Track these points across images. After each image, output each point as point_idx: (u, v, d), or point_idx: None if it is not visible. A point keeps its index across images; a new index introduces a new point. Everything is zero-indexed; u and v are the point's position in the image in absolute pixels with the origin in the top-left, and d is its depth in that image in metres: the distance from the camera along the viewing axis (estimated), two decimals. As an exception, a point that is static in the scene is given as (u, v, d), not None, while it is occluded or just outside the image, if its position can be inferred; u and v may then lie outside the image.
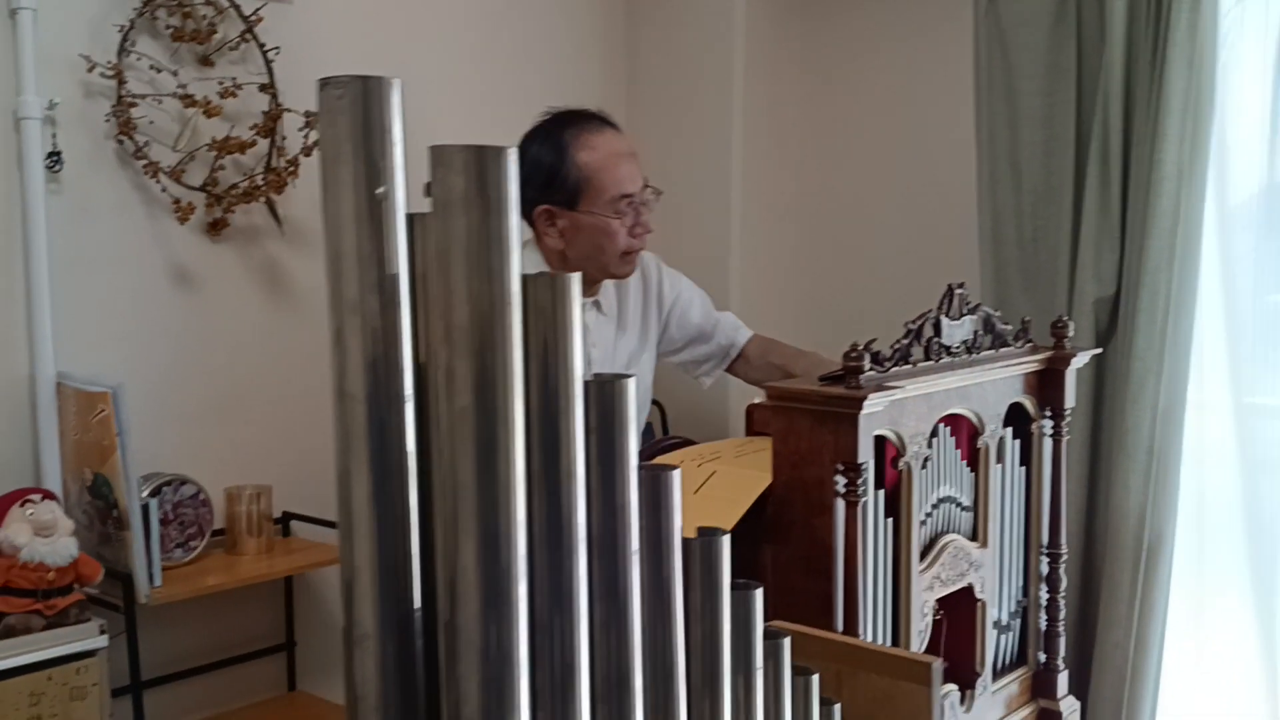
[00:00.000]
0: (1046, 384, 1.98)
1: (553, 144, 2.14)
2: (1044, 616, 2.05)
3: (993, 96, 2.67)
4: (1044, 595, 2.04)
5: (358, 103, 0.71)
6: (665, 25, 3.03)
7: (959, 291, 1.78)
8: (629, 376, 0.75)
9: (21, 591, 1.88)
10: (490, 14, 2.79)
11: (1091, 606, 2.53)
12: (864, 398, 1.51)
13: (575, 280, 0.72)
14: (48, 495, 1.95)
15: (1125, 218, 2.49)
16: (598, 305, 2.30)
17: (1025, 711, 2.02)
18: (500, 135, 2.61)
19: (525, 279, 0.70)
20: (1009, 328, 1.92)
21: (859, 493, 1.56)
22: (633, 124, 2.95)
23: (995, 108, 2.67)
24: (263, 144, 2.32)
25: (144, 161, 2.16)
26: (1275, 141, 2.38)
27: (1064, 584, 2.04)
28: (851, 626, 1.59)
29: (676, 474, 0.78)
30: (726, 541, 0.82)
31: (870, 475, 1.57)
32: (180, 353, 2.30)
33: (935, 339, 1.74)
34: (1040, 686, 2.05)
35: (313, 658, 2.54)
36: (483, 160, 0.66)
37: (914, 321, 1.72)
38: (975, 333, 1.82)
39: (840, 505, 1.56)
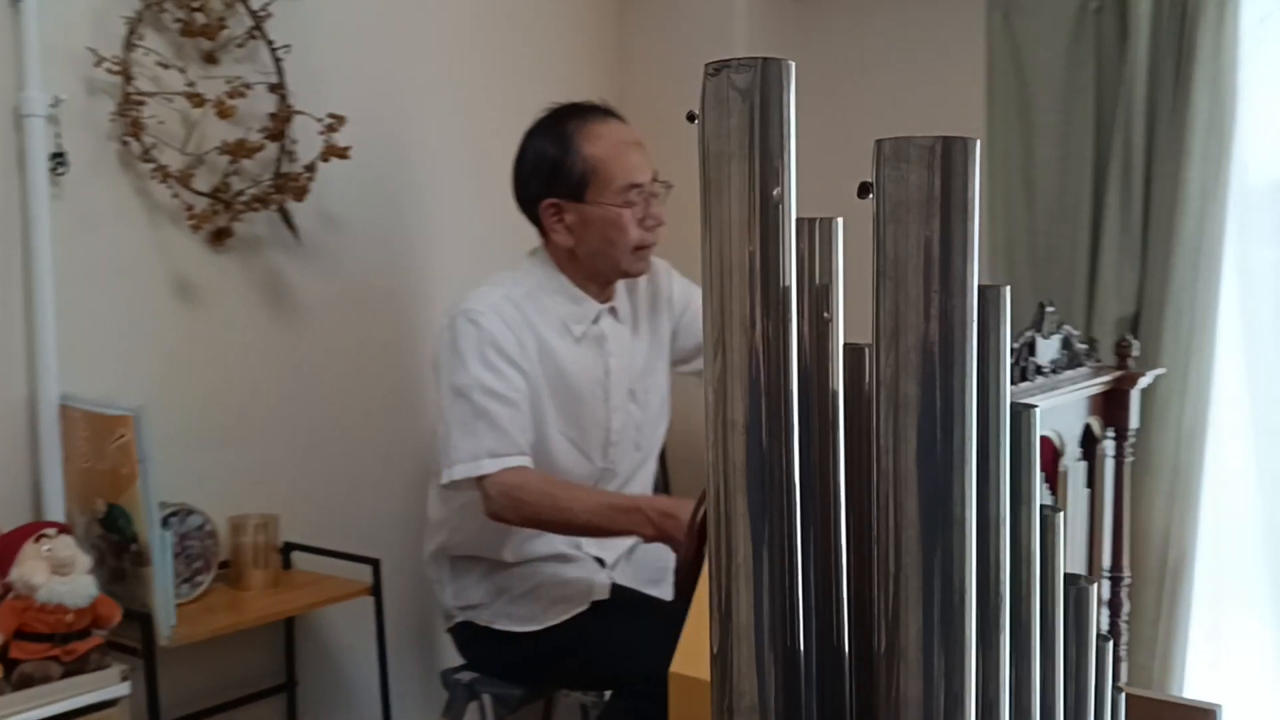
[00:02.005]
0: (1112, 404, 1.95)
1: (556, 136, 2.06)
2: (1104, 640, 2.00)
3: (1006, 113, 2.64)
4: (1105, 620, 2.00)
5: (754, 90, 0.61)
6: (661, 19, 2.94)
7: (1050, 310, 1.73)
8: (1033, 407, 0.67)
9: (37, 636, 1.70)
10: (495, 8, 2.68)
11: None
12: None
13: (1004, 294, 0.63)
14: (63, 529, 1.77)
15: (1146, 236, 2.49)
16: (614, 312, 2.20)
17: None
18: (499, 132, 2.51)
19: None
20: (1084, 347, 1.88)
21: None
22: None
23: (1009, 124, 2.64)
24: (270, 148, 2.17)
25: (152, 165, 1.99)
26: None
27: (1126, 608, 2.01)
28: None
29: (1060, 517, 0.70)
30: (1094, 589, 0.73)
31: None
32: (180, 372, 2.13)
33: (1031, 358, 1.68)
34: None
35: (314, 697, 2.38)
36: (949, 154, 0.57)
37: (1015, 340, 1.66)
38: (1061, 353, 1.77)
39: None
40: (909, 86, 2.86)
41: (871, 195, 0.59)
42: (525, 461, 2.01)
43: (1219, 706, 1.08)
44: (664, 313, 2.30)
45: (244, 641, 2.20)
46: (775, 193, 0.61)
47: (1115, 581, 1.99)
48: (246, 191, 2.12)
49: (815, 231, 0.69)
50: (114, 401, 1.85)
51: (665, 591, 2.23)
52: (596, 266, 2.14)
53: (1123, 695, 0.78)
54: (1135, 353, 1.98)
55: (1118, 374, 1.94)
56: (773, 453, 0.62)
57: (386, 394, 2.49)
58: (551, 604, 2.13)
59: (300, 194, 2.13)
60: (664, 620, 2.07)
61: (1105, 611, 2.00)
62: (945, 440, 0.57)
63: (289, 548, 2.25)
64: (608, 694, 2.46)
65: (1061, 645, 0.70)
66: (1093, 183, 2.56)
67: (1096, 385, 1.88)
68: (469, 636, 2.23)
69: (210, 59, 2.12)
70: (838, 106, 2.95)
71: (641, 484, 2.33)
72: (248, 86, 2.10)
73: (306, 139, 2.19)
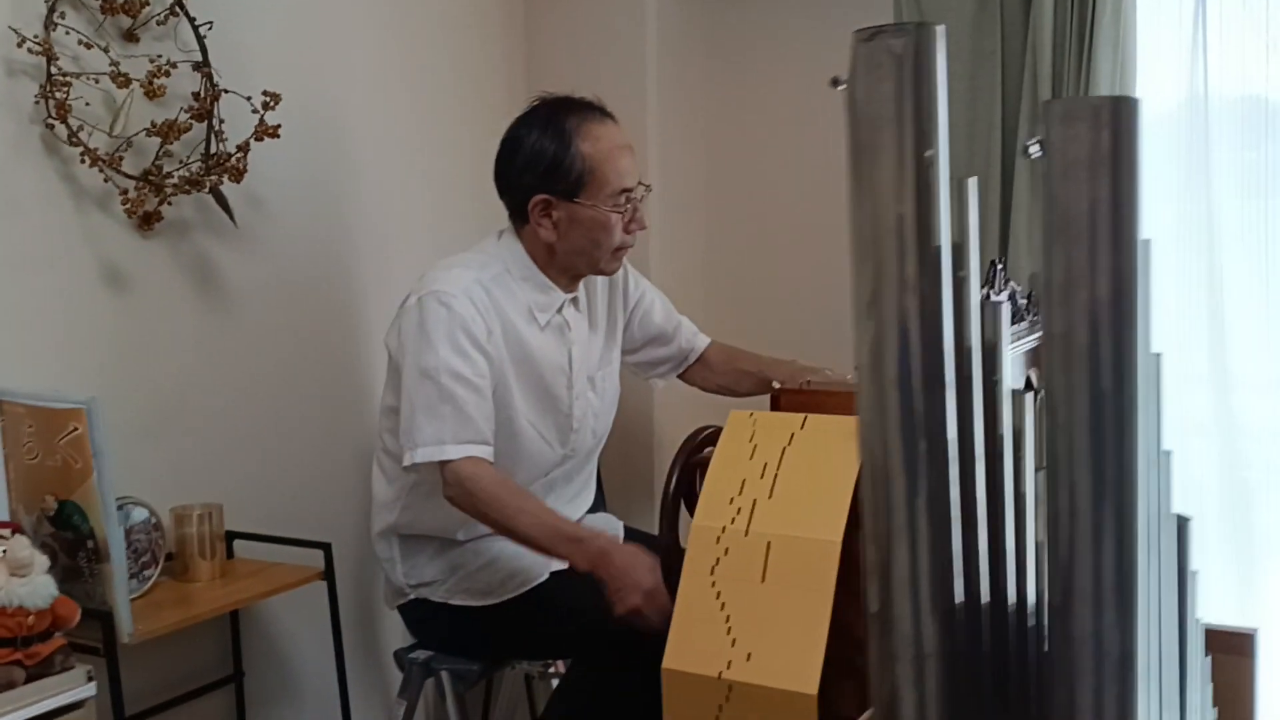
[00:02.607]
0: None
1: (555, 132, 2.05)
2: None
3: (915, 80, 2.72)
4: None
5: (908, 55, 0.63)
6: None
7: (1000, 267, 1.80)
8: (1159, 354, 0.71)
9: (-2, 641, 1.64)
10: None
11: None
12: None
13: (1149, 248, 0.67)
14: (16, 529, 1.70)
15: (1054, 196, 2.59)
16: (575, 302, 2.21)
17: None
18: (430, 109, 2.49)
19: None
20: (1023, 302, 1.95)
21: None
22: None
23: (918, 91, 2.72)
24: (196, 129, 2.10)
25: (80, 149, 1.92)
26: (1193, 122, 2.52)
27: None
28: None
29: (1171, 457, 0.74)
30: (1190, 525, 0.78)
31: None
32: (113, 362, 2.06)
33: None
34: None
35: (262, 689, 2.34)
36: (1118, 113, 0.60)
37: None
38: (1012, 309, 1.84)
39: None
40: (815, 57, 2.90)
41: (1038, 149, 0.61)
42: (487, 451, 2.01)
43: (1256, 630, 1.15)
44: (619, 304, 2.32)
45: (190, 635, 2.14)
46: (927, 155, 0.64)
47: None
48: (175, 174, 2.06)
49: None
50: (57, 395, 1.78)
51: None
52: (573, 263, 2.15)
53: (1202, 625, 0.83)
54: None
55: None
56: (929, 410, 0.65)
57: (322, 378, 2.45)
58: (509, 576, 2.14)
59: (238, 175, 2.07)
60: None
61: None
62: (1116, 390, 0.60)
63: (231, 536, 2.20)
64: (557, 663, 2.49)
65: (1167, 578, 0.75)
66: (1001, 148, 2.65)
67: (1034, 340, 1.96)
68: (423, 614, 2.22)
69: (130, 37, 2.05)
70: (748, 81, 3.00)
71: (590, 470, 2.36)
72: (172, 65, 2.03)
73: (232, 119, 2.13)
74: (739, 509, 1.64)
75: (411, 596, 2.22)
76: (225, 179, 2.07)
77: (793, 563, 1.59)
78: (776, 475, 1.62)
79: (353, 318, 2.50)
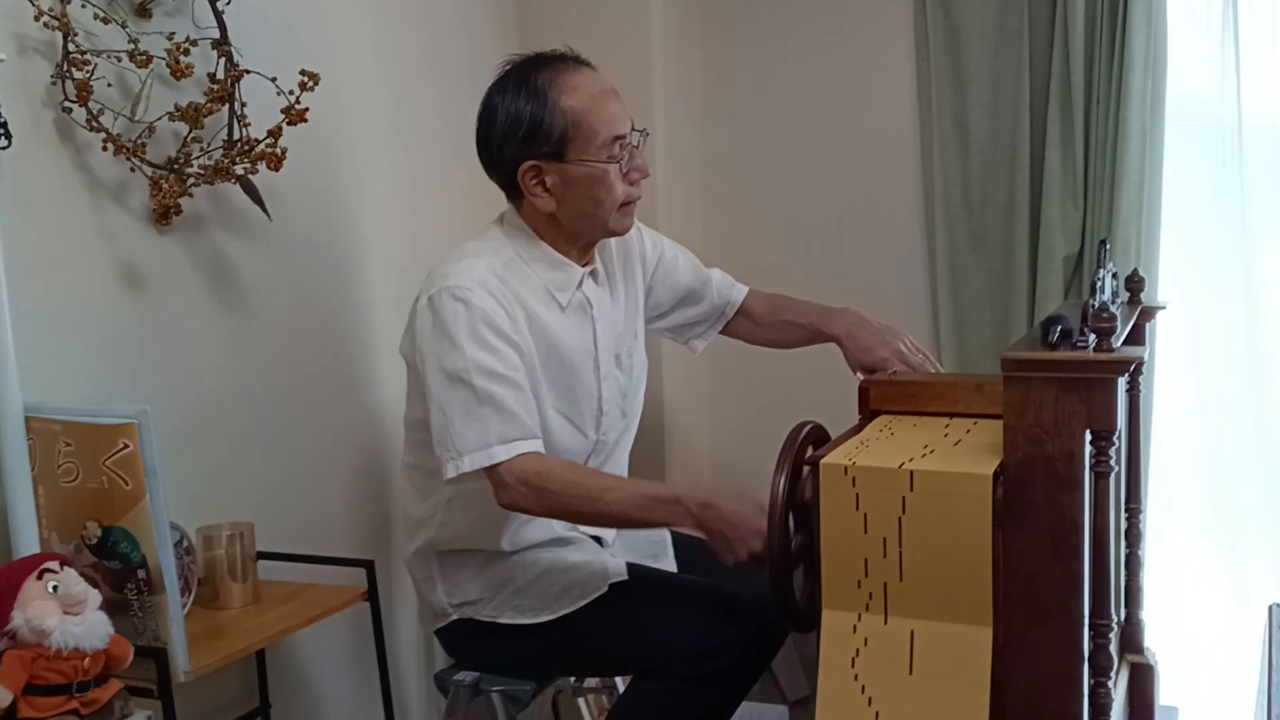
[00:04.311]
0: (1130, 339, 1.97)
1: (529, 91, 1.88)
2: (1124, 571, 2.04)
3: (937, 57, 2.65)
4: (1123, 550, 2.04)
5: None
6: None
7: (1109, 247, 1.72)
8: None
9: (50, 688, 1.46)
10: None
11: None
12: (1129, 362, 1.41)
13: None
14: (64, 561, 1.52)
15: (1088, 176, 2.54)
16: (594, 275, 2.05)
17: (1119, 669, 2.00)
18: (441, 97, 2.34)
19: None
20: (1117, 283, 1.89)
21: (1110, 464, 1.47)
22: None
23: (940, 68, 2.65)
24: (218, 114, 1.92)
25: (102, 135, 1.73)
26: (1224, 96, 2.49)
27: (1143, 538, 2.04)
28: (1101, 605, 1.50)
29: None
30: None
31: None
32: (131, 370, 1.87)
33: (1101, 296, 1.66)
34: (1126, 642, 2.05)
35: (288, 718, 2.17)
36: None
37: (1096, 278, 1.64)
38: (1114, 291, 1.77)
39: (1090, 479, 1.47)
40: (837, 31, 2.82)
41: None
42: (538, 445, 1.86)
43: None
44: (637, 269, 2.16)
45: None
46: None
47: (1132, 512, 2.02)
48: (196, 163, 1.87)
49: None
50: (100, 408, 1.60)
51: (668, 565, 2.14)
52: (581, 229, 1.99)
53: None
54: (1145, 287, 2.01)
55: (1140, 309, 1.96)
56: None
57: (341, 384, 2.28)
58: (564, 590, 1.99)
59: (276, 163, 1.89)
60: (688, 597, 1.99)
61: (1123, 542, 2.04)
62: None
63: (260, 556, 2.02)
64: (615, 679, 2.36)
65: None
66: (1030, 125, 2.59)
67: (1130, 319, 1.90)
68: (467, 634, 2.07)
69: (143, 13, 1.86)
70: (767, 49, 2.89)
71: (623, 450, 2.21)
72: (192, 43, 1.84)
73: (264, 101, 1.95)
74: (870, 594, 1.52)
75: (454, 617, 2.06)
76: (261, 167, 1.89)
77: (941, 653, 1.49)
78: (901, 553, 1.50)
79: (380, 318, 2.33)
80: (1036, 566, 1.49)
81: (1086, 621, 1.49)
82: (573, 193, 1.92)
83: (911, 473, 1.48)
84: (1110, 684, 1.52)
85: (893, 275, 2.80)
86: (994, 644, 1.48)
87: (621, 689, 2.44)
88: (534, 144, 1.89)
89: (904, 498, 1.49)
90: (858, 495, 1.51)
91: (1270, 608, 1.73)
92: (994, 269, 2.66)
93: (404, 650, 2.43)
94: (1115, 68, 2.45)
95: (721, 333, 2.31)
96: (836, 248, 2.86)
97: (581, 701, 2.50)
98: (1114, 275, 1.80)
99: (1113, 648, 1.59)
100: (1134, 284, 2.00)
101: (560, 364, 1.97)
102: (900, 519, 1.49)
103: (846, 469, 1.52)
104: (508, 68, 1.96)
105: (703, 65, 2.91)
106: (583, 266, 2.02)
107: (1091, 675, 1.51)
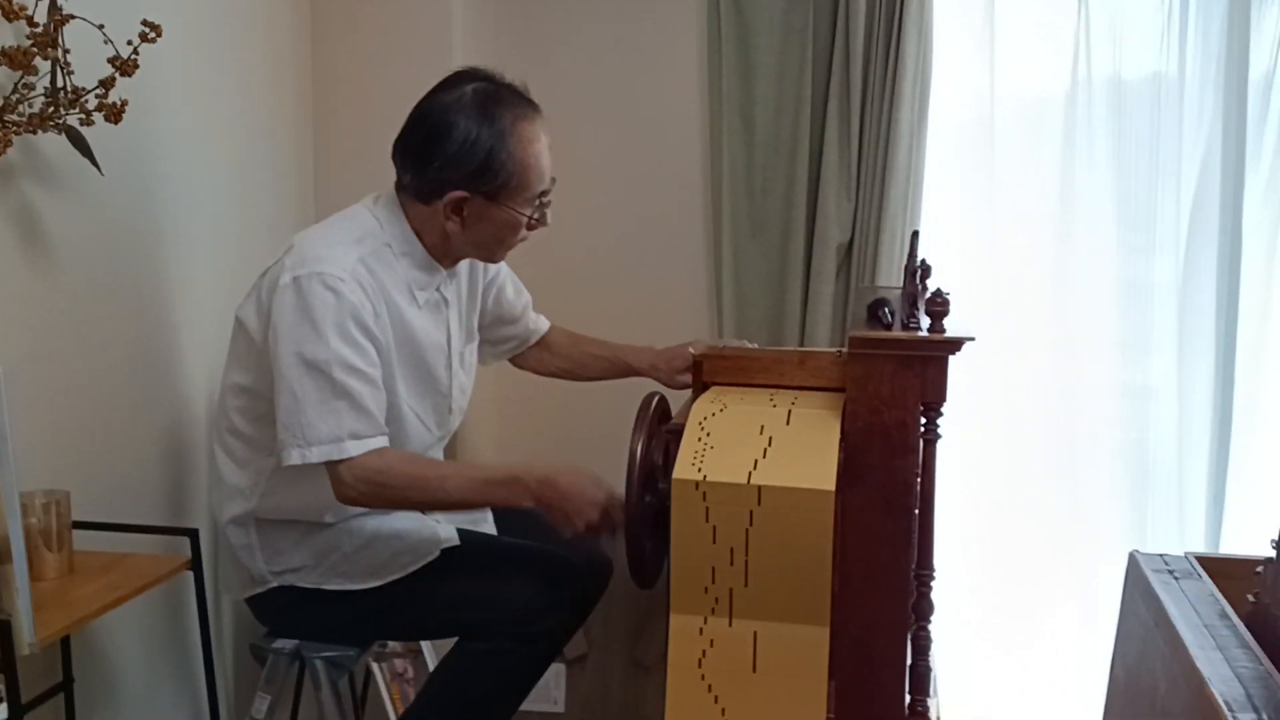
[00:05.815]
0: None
1: (491, 127, 1.90)
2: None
3: (727, 52, 2.80)
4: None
5: None
6: None
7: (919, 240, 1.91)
8: None
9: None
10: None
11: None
12: (960, 342, 1.60)
13: None
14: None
15: (860, 171, 2.77)
16: (451, 275, 2.11)
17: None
18: (250, 63, 2.29)
19: None
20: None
21: (936, 432, 1.65)
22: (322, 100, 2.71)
23: (730, 63, 2.81)
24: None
25: (-78, 79, 1.62)
26: (979, 110, 2.78)
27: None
28: (926, 558, 1.69)
29: None
30: None
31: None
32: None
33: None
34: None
35: (94, 696, 2.08)
36: None
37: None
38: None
39: (922, 446, 1.65)
40: (634, 19, 2.92)
41: None
42: (384, 441, 1.90)
43: None
44: (479, 278, 2.22)
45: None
46: None
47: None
48: (19, 109, 1.77)
49: None
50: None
51: (487, 528, 2.21)
52: (465, 253, 2.05)
53: None
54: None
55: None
56: None
57: (161, 349, 2.20)
58: (394, 556, 2.03)
59: (116, 115, 1.81)
60: (519, 561, 2.07)
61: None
62: None
63: (75, 526, 1.93)
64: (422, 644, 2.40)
65: None
66: (810, 121, 2.79)
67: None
68: (287, 602, 2.06)
69: (-34, -52, 1.74)
70: (560, 47, 2.96)
71: (440, 452, 2.27)
72: (13, -14, 1.75)
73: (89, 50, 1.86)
74: (716, 599, 1.63)
75: (273, 584, 2.05)
76: (95, 118, 1.81)
77: (783, 652, 1.62)
78: (747, 561, 1.61)
79: (205, 282, 2.26)
80: (872, 523, 1.66)
81: (912, 573, 1.68)
82: (482, 228, 1.97)
83: (759, 488, 1.59)
84: (929, 627, 1.72)
85: (679, 256, 2.96)
86: (830, 594, 1.63)
87: (429, 654, 2.49)
88: (477, 180, 1.92)
89: (752, 511, 1.60)
90: (708, 509, 1.61)
91: (1130, 554, 1.89)
92: (772, 254, 2.86)
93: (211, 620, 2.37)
94: (889, 74, 2.68)
95: (512, 359, 2.42)
96: (625, 230, 2.98)
97: (377, 667, 2.52)
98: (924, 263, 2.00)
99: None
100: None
101: (416, 360, 2.01)
102: (748, 530, 1.60)
103: (698, 484, 1.61)
104: (470, 88, 1.95)
105: (497, 55, 2.95)
106: (447, 272, 2.06)
107: (915, 619, 1.70)
